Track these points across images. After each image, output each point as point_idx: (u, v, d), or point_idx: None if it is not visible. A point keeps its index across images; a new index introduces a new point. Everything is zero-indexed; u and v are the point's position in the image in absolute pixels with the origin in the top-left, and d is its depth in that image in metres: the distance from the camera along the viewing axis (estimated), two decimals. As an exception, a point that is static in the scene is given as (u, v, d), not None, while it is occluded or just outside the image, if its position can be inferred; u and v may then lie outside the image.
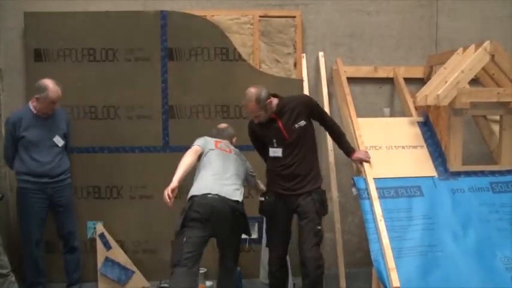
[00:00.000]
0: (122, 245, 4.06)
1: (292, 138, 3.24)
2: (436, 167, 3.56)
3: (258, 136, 3.39)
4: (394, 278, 2.92)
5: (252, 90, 3.19)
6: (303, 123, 3.26)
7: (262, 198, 3.38)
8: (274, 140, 3.25)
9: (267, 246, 3.46)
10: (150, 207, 4.11)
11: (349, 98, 3.94)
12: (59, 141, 3.72)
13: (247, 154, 3.62)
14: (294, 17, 4.26)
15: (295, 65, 4.26)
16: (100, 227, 4.01)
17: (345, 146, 3.47)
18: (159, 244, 4.13)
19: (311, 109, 3.34)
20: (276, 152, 3.26)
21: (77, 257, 3.87)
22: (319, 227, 3.23)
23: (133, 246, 4.12)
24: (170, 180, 3.96)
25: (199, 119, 4.14)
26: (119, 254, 4.00)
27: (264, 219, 3.46)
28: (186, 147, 4.03)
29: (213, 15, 4.16)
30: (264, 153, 3.42)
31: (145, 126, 4.12)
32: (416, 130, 3.80)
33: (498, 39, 3.61)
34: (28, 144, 3.61)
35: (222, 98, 4.13)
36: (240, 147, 3.62)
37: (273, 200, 3.31)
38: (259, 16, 4.22)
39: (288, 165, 3.24)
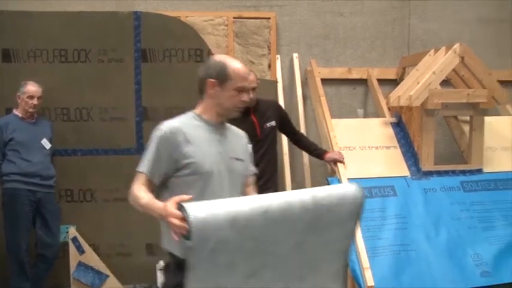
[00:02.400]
0: (96, 249, 4.02)
1: (263, 136, 3.29)
2: (409, 167, 3.65)
3: None
4: (369, 277, 2.98)
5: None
6: (273, 123, 3.33)
7: None
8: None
9: None
10: (125, 210, 4.07)
11: (323, 99, 4.01)
12: (46, 143, 3.74)
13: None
14: (269, 18, 4.31)
15: (269, 66, 4.31)
16: (73, 231, 3.96)
17: (316, 150, 3.55)
18: (134, 247, 4.10)
19: (281, 114, 3.45)
20: None
21: (49, 267, 3.81)
22: None
23: (108, 250, 4.08)
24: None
25: (173, 121, 4.14)
26: (92, 258, 3.96)
27: None
28: (160, 149, 4.05)
29: (187, 16, 4.18)
30: None
31: (119, 128, 4.09)
32: (390, 131, 3.88)
33: (468, 42, 3.73)
34: (17, 146, 3.63)
35: (197, 99, 4.12)
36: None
37: None
38: (234, 17, 4.25)
39: (255, 163, 3.26)
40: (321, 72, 4.30)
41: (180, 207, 1.62)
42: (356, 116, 4.41)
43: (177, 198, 1.69)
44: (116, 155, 4.08)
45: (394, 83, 4.35)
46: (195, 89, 4.07)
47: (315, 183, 4.09)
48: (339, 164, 3.50)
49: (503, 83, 4.10)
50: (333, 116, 3.92)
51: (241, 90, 1.99)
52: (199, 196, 1.87)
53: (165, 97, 4.11)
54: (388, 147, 3.76)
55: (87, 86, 4.05)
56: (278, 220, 1.66)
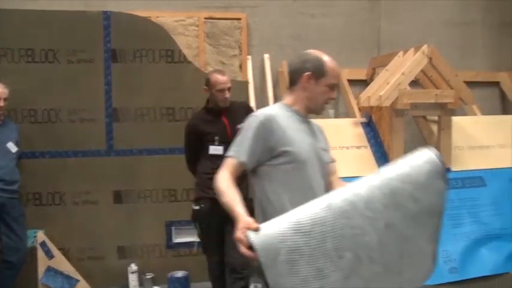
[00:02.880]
0: (66, 253, 3.94)
1: (234, 137, 3.27)
2: (379, 166, 3.68)
3: (198, 133, 3.30)
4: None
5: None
6: None
7: (197, 207, 3.27)
8: (217, 138, 3.25)
9: (204, 253, 3.41)
10: (95, 212, 4.03)
11: (294, 100, 4.02)
12: (12, 147, 3.64)
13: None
14: (240, 19, 4.31)
15: (240, 67, 4.31)
16: (41, 235, 3.87)
17: None
18: (105, 250, 4.05)
19: None
20: (217, 150, 3.23)
21: (16, 273, 3.69)
22: None
23: (78, 254, 4.01)
24: (116, 184, 3.94)
25: (144, 122, 4.09)
26: (62, 263, 3.88)
27: (198, 226, 3.32)
28: (132, 151, 4.02)
29: (157, 17, 4.14)
30: (195, 156, 3.36)
31: (89, 129, 4.02)
32: (360, 131, 3.92)
33: (435, 43, 3.79)
34: None
35: (168, 100, 4.10)
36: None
37: (208, 207, 3.22)
38: (205, 18, 4.24)
39: None
40: (292, 73, 4.32)
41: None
42: (327, 117, 4.44)
43: (252, 226, 1.72)
44: (85, 156, 4.02)
45: (365, 83, 4.40)
46: (166, 89, 4.10)
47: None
48: (312, 165, 3.52)
49: (468, 83, 4.19)
50: (304, 117, 3.94)
51: (332, 87, 2.07)
52: (296, 184, 1.97)
53: (135, 98, 4.07)
54: (358, 147, 3.81)
55: (56, 87, 3.97)
56: (347, 209, 1.65)
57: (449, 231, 3.45)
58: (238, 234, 1.73)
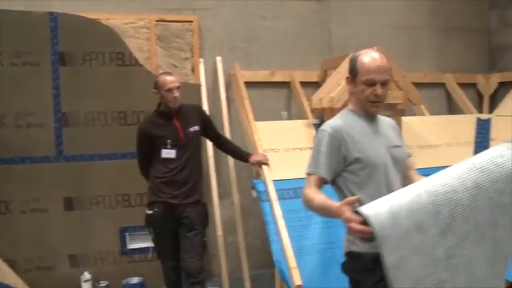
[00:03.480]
0: (12, 265, 3.78)
1: (187, 140, 3.25)
2: (331, 166, 3.72)
3: (150, 137, 3.26)
4: (296, 277, 2.99)
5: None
6: (197, 128, 3.31)
7: (150, 211, 3.23)
8: (169, 141, 3.22)
9: (159, 258, 3.37)
10: (45, 220, 3.89)
11: (247, 102, 4.01)
12: None
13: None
14: (191, 21, 4.26)
15: (193, 69, 4.26)
16: (-15, 247, 3.72)
17: (240, 153, 3.57)
18: (55, 260, 3.92)
19: (204, 118, 3.44)
20: (169, 153, 3.21)
21: None
22: (205, 239, 3.34)
23: (26, 264, 3.86)
24: (66, 191, 3.82)
25: (95, 126, 3.99)
26: (8, 275, 3.70)
27: (151, 231, 3.28)
28: (82, 156, 3.91)
29: (107, 19, 4.04)
30: (148, 160, 3.31)
31: (37, 135, 3.88)
32: (313, 132, 3.93)
33: (384, 46, 3.86)
34: None
35: (119, 104, 4.02)
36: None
37: (161, 211, 3.21)
38: (156, 20, 4.16)
39: (180, 169, 3.22)
40: (245, 75, 4.31)
41: (356, 211, 1.74)
42: (280, 118, 4.46)
43: (347, 201, 1.78)
44: (33, 163, 3.88)
45: (317, 85, 4.42)
46: (117, 93, 4.02)
47: (241, 186, 4.11)
48: (263, 166, 3.52)
49: (416, 85, 4.29)
50: (257, 119, 3.94)
51: (369, 83, 2.01)
52: (374, 187, 1.99)
53: (86, 102, 3.97)
54: (311, 148, 3.81)
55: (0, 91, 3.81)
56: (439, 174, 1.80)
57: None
58: (346, 215, 1.76)
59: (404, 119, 3.95)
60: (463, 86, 5.03)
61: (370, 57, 2.03)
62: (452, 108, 5.07)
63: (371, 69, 2.01)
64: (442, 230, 1.76)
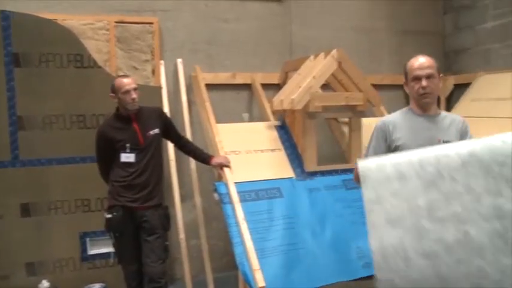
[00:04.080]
0: (-35, 275, 3.65)
1: (146, 144, 3.21)
2: (293, 168, 3.74)
3: (109, 141, 3.21)
4: (259, 278, 2.98)
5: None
6: (157, 131, 3.27)
7: (110, 215, 3.18)
8: (128, 145, 3.17)
9: (119, 263, 3.32)
10: (0, 227, 3.76)
11: (208, 105, 3.99)
12: None
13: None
14: (152, 23, 4.20)
15: (153, 72, 4.20)
16: None
17: (202, 155, 3.55)
18: (11, 268, 3.78)
19: (164, 120, 3.41)
20: (128, 157, 3.17)
21: None
22: (167, 243, 3.30)
23: (-21, 274, 3.72)
24: (23, 197, 3.69)
25: (53, 129, 3.87)
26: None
27: (112, 235, 3.24)
28: (40, 161, 3.80)
29: (64, 19, 3.94)
30: (107, 163, 3.27)
31: (-10, 139, 3.75)
32: (274, 134, 3.96)
33: (345, 48, 3.91)
34: None
35: (78, 107, 3.92)
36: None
37: (121, 215, 3.17)
38: (115, 22, 4.09)
39: (139, 172, 3.18)
40: (206, 77, 4.28)
41: None
42: (241, 121, 4.45)
43: None
44: (-13, 169, 3.74)
45: (278, 87, 4.44)
46: (75, 95, 3.92)
47: (203, 189, 4.08)
48: (225, 168, 3.50)
49: (376, 86, 4.36)
50: (218, 121, 3.92)
51: (415, 79, 2.40)
52: None
53: (43, 105, 3.85)
54: (273, 150, 3.83)
55: None
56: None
57: (362, 228, 3.49)
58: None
59: (364, 120, 4.00)
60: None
61: (414, 59, 2.45)
62: (411, 108, 5.18)
63: (414, 67, 2.41)
64: (425, 184, 1.96)
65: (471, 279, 1.89)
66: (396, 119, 2.53)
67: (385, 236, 2.01)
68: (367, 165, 2.06)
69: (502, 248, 1.83)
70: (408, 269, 1.97)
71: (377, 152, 2.44)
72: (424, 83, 2.38)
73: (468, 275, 1.89)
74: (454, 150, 1.95)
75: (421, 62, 2.41)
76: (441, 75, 2.51)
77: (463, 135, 2.43)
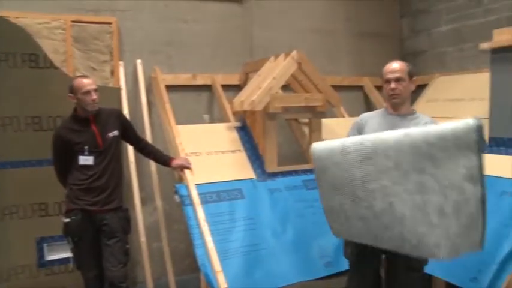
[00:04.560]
0: None
1: (105, 146, 3.16)
2: (254, 169, 3.76)
3: (66, 143, 3.14)
4: (221, 280, 2.99)
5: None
6: (116, 133, 3.23)
7: (68, 219, 3.12)
8: (86, 147, 3.12)
9: (78, 268, 3.25)
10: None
11: (168, 106, 3.96)
12: None
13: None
14: (110, 23, 4.13)
15: (112, 73, 4.13)
16: None
17: (162, 157, 3.53)
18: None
19: (123, 122, 3.36)
20: (87, 160, 3.12)
21: None
22: (127, 246, 3.25)
23: None
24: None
25: (6, 132, 3.73)
26: None
27: (70, 240, 3.17)
28: (-6, 165, 3.68)
29: (17, 17, 3.80)
30: (65, 167, 3.21)
31: None
32: (235, 135, 3.96)
33: (305, 50, 3.95)
34: None
35: (33, 108, 3.78)
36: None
37: (80, 219, 3.12)
38: (72, 21, 3.99)
39: (98, 175, 3.13)
40: (166, 78, 4.25)
41: None
42: (202, 122, 4.44)
43: None
44: None
45: (238, 88, 4.46)
46: (31, 97, 3.81)
47: (164, 191, 4.05)
48: (186, 170, 3.49)
49: (336, 87, 4.42)
50: (179, 123, 3.89)
51: (387, 81, 2.71)
52: None
53: (-5, 106, 3.73)
54: (233, 151, 3.84)
55: None
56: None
57: (323, 227, 3.54)
58: None
59: (324, 121, 4.06)
60: (379, 88, 5.25)
61: (389, 63, 2.75)
62: (370, 109, 5.27)
63: (387, 71, 2.72)
64: (362, 158, 2.26)
65: (394, 243, 2.22)
66: (371, 115, 2.87)
67: (330, 199, 2.49)
68: (318, 143, 2.56)
69: (420, 219, 2.09)
70: (348, 225, 2.41)
71: None
72: (392, 85, 2.67)
73: (392, 238, 2.21)
74: (393, 133, 2.21)
75: (392, 66, 2.72)
76: (414, 78, 2.74)
77: None
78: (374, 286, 2.90)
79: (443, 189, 2.02)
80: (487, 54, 3.66)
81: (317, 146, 2.54)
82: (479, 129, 1.97)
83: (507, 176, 3.30)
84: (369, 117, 2.86)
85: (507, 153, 3.48)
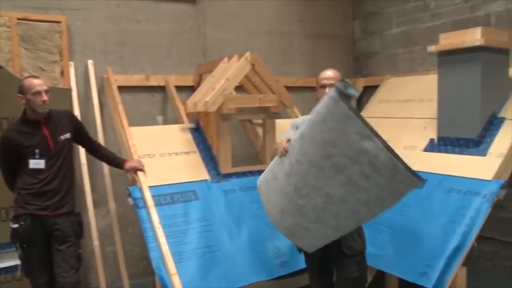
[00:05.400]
0: None
1: (57, 149, 3.09)
2: (208, 170, 3.76)
3: (15, 147, 3.04)
4: (176, 283, 2.99)
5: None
6: (68, 135, 3.17)
7: (16, 225, 3.03)
8: (37, 151, 3.04)
9: (27, 276, 3.16)
10: None
11: (120, 107, 3.91)
12: None
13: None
14: (60, 22, 4.02)
15: (62, 73, 4.03)
16: None
17: (115, 159, 3.49)
18: None
19: (75, 124, 3.30)
20: (38, 163, 3.04)
21: None
22: (80, 251, 3.20)
23: None
24: None
25: None
26: None
27: (18, 246, 3.09)
28: None
29: (-46, 13, 3.66)
30: (14, 171, 3.12)
31: None
32: (188, 136, 3.95)
33: (258, 51, 3.98)
34: None
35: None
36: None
37: (28, 224, 3.03)
38: (18, 19, 3.86)
39: (50, 179, 3.06)
40: (118, 79, 4.19)
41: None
42: (155, 123, 4.41)
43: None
44: None
45: (192, 89, 4.45)
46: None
47: (117, 194, 4.00)
48: (139, 172, 3.46)
49: (290, 88, 4.48)
50: (132, 124, 3.85)
51: (322, 86, 2.88)
52: None
53: None
54: (187, 153, 3.83)
55: None
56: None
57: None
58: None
59: (278, 121, 4.10)
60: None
61: (324, 71, 2.94)
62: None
63: (322, 77, 2.92)
64: (286, 173, 2.48)
65: (352, 221, 2.44)
66: (306, 118, 2.89)
67: (284, 224, 2.64)
68: (260, 178, 2.85)
69: (355, 190, 2.27)
70: (312, 235, 2.54)
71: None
72: (327, 90, 2.79)
73: (348, 218, 2.40)
74: (295, 140, 2.46)
75: (327, 74, 2.91)
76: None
77: None
78: None
79: (354, 159, 2.19)
80: (435, 56, 3.80)
81: (259, 181, 2.84)
82: (341, 94, 2.14)
83: (454, 174, 3.44)
84: (303, 120, 2.99)
85: (454, 152, 3.62)
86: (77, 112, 3.92)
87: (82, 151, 3.84)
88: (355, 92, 2.18)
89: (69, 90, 4.00)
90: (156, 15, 4.50)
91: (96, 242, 3.87)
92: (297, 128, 2.83)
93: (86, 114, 4.09)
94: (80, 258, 3.22)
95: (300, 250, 2.96)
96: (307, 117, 2.86)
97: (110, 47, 4.31)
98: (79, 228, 3.24)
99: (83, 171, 3.90)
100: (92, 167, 4.01)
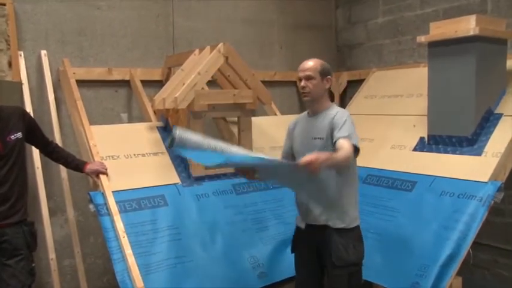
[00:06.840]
0: None
1: (7, 150, 3.04)
2: (178, 173, 3.75)
3: None
4: (144, 298, 2.98)
5: None
6: (20, 135, 3.12)
7: None
8: None
9: None
10: None
11: (80, 104, 3.87)
12: None
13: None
14: (4, 4, 3.89)
15: (10, 64, 3.95)
16: None
17: (74, 161, 3.45)
18: None
19: (28, 123, 3.23)
20: None
21: None
22: (33, 265, 3.17)
23: None
24: None
25: None
26: None
27: None
28: None
29: None
30: None
31: None
32: (156, 136, 3.94)
33: (233, 42, 3.99)
34: None
35: None
36: None
37: None
38: (-48, 1, 3.77)
39: None
40: (77, 72, 4.15)
41: None
42: (119, 122, 4.38)
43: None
44: None
45: (160, 84, 4.43)
46: None
47: (76, 200, 3.96)
48: (101, 175, 3.43)
49: (268, 83, 4.51)
50: (93, 122, 3.82)
51: (299, 79, 2.91)
52: None
53: None
54: (155, 154, 3.82)
55: None
56: None
57: (255, 235, 3.66)
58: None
59: (255, 119, 4.12)
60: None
61: (303, 62, 2.92)
62: (303, 106, 5.41)
63: (299, 69, 2.91)
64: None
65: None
66: (297, 120, 3.10)
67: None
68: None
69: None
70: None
71: (285, 150, 3.13)
72: (302, 83, 2.88)
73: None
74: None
75: (304, 65, 2.91)
76: (328, 76, 2.90)
77: (331, 126, 2.80)
78: None
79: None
80: (425, 47, 3.86)
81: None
82: (172, 141, 2.35)
83: (446, 176, 3.50)
84: (295, 122, 3.10)
85: (446, 152, 3.68)
86: (29, 109, 3.86)
87: (36, 153, 3.80)
88: (174, 131, 2.34)
89: (19, 83, 3.93)
90: (119, 1, 4.46)
91: (52, 255, 3.82)
92: (289, 138, 3.09)
93: (40, 111, 4.05)
94: (33, 273, 3.17)
95: (292, 251, 3.08)
96: (293, 121, 3.11)
97: (67, 36, 4.25)
98: (32, 239, 3.19)
99: (37, 175, 3.85)
100: (47, 170, 3.98)
